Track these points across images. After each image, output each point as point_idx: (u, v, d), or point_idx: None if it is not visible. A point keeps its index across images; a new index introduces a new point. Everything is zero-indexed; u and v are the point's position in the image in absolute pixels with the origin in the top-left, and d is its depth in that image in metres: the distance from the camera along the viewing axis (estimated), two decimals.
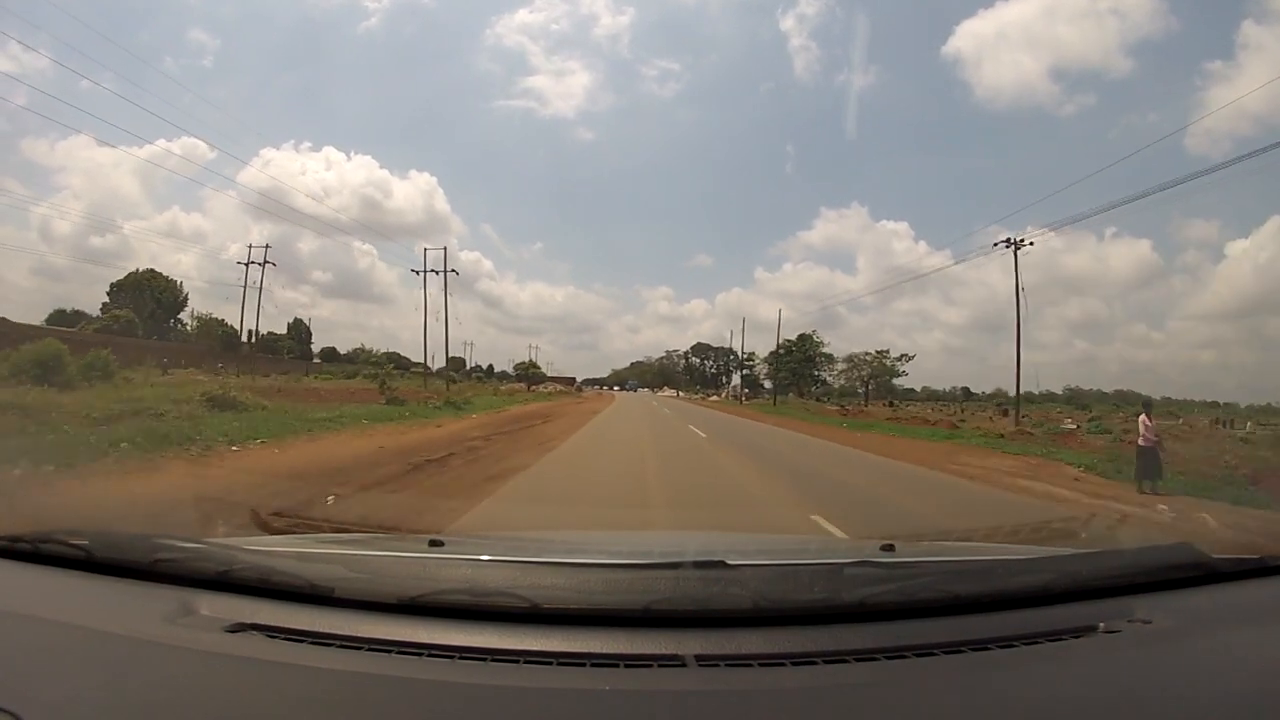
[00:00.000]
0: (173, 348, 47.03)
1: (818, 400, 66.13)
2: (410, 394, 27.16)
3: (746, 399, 74.64)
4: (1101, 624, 1.22)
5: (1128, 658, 1.15)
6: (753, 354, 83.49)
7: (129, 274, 54.49)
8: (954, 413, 42.91)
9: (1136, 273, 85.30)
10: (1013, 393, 26.67)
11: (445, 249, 42.31)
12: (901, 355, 66.09)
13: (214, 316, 48.51)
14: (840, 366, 71.12)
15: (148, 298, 54.78)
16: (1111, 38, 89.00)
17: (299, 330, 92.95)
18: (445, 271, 41.83)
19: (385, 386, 24.42)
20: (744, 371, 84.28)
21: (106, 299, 53.14)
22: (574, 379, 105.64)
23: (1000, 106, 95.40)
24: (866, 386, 75.45)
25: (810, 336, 73.41)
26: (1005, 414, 32.41)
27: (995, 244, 28.24)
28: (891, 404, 58.92)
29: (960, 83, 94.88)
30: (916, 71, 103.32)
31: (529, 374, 75.02)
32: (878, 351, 65.52)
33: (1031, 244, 27.35)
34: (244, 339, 43.86)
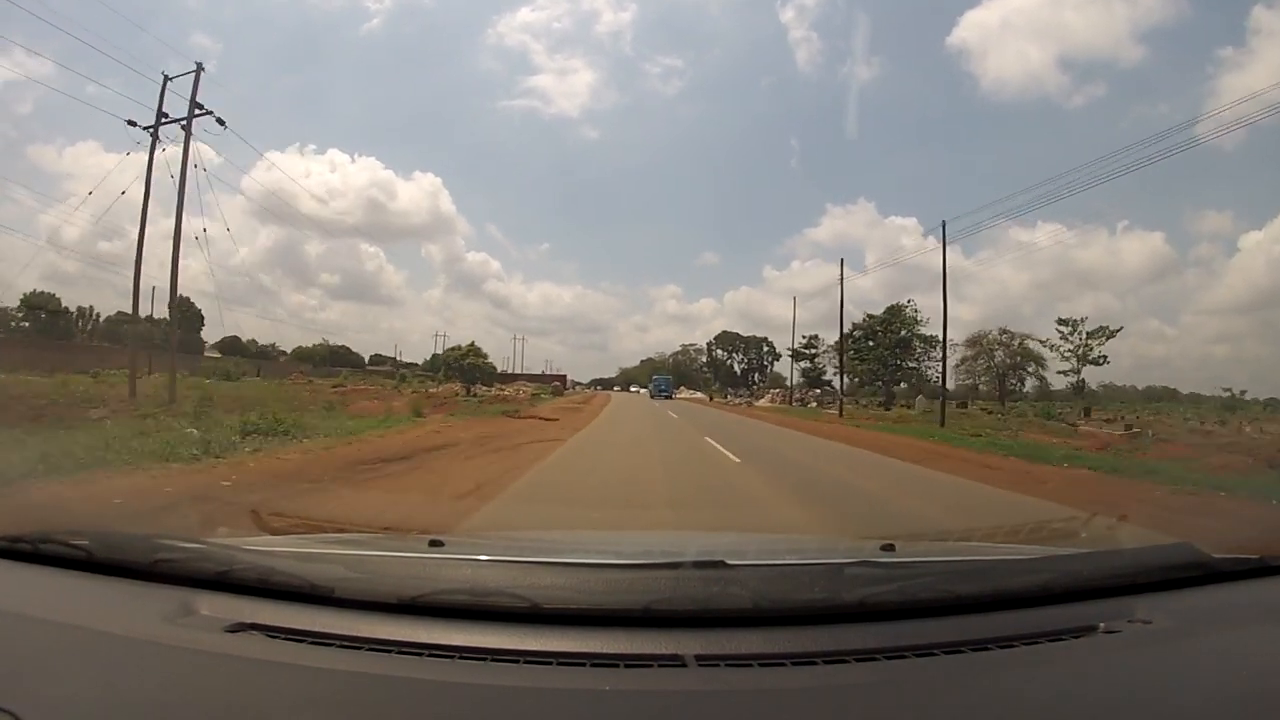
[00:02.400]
0: None
1: (958, 406, 42.04)
2: None
3: (822, 403, 50.20)
4: (1101, 624, 1.20)
5: (1128, 658, 1.13)
6: (813, 337, 59.08)
7: None
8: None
9: (1149, 266, 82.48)
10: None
11: (198, 69, 18.34)
12: (1100, 329, 41.29)
13: None
14: (957, 354, 46.95)
15: None
16: (1120, 24, 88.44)
17: (186, 310, 68.11)
18: (189, 118, 18.34)
19: None
20: (803, 363, 59.66)
21: None
22: (564, 376, 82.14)
23: (1007, 98, 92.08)
24: (1002, 384, 50.15)
25: (902, 309, 49.17)
26: None
27: None
28: (1088, 412, 35.08)
29: (966, 74, 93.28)
30: (921, 64, 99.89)
31: (464, 365, 44.20)
32: (1064, 322, 40.81)
33: None
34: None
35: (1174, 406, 44.38)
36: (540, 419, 19.57)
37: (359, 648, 1.04)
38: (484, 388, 42.37)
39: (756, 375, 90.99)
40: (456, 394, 34.26)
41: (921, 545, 2.37)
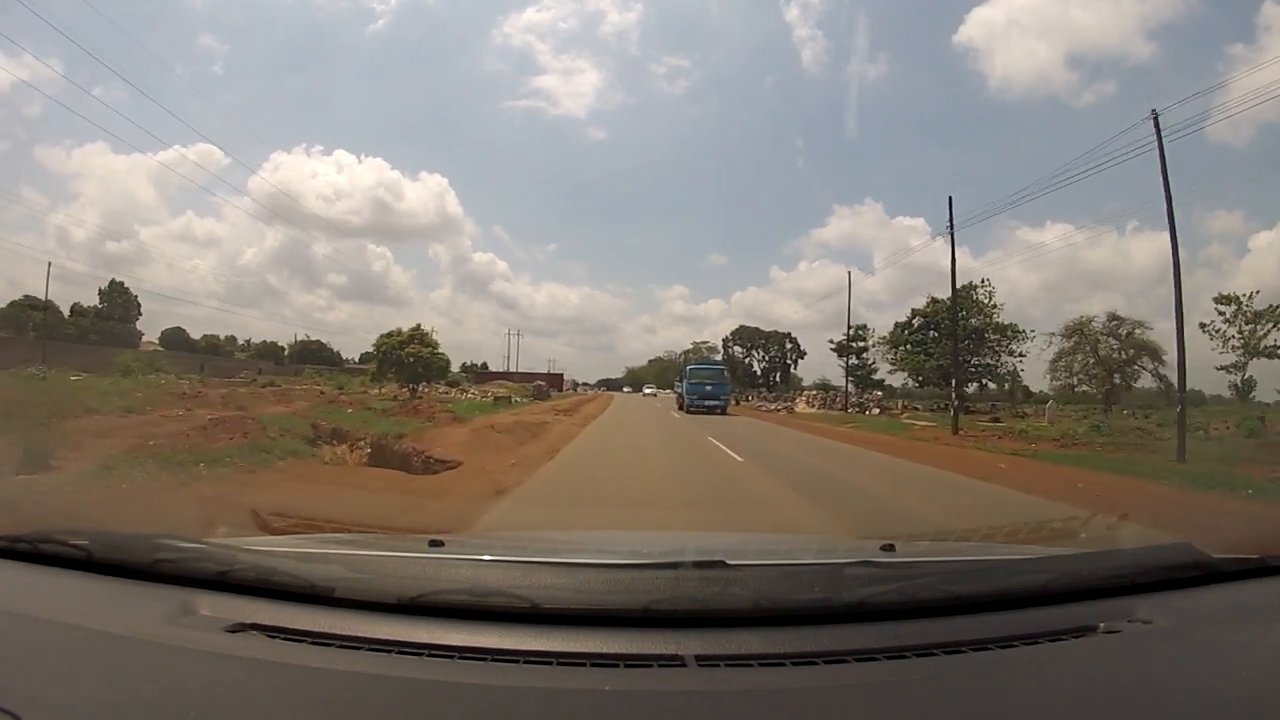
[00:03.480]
0: None
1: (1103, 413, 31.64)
2: None
3: (885, 410, 40.01)
4: (1101, 624, 1.20)
5: (1128, 658, 1.13)
6: (861, 327, 48.82)
7: None
8: None
9: (1159, 267, 69.73)
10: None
11: None
12: (1271, 308, 30.60)
13: None
14: (1051, 347, 36.64)
15: None
16: (1128, 20, 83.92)
17: (120, 297, 58.43)
18: None
19: None
20: (850, 359, 49.42)
21: None
22: (560, 376, 72.83)
23: (1015, 97, 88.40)
24: (1116, 382, 39.58)
25: (973, 290, 38.79)
26: None
27: None
28: (1262, 421, 24.70)
29: (973, 73, 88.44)
30: (927, 62, 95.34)
31: (404, 358, 29.74)
32: (1225, 300, 30.01)
33: None
34: None
35: (1233, 410, 34.04)
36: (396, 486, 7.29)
37: (359, 648, 1.04)
38: (449, 388, 32.58)
39: (778, 375, 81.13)
40: (396, 396, 24.79)
41: (922, 545, 2.35)
